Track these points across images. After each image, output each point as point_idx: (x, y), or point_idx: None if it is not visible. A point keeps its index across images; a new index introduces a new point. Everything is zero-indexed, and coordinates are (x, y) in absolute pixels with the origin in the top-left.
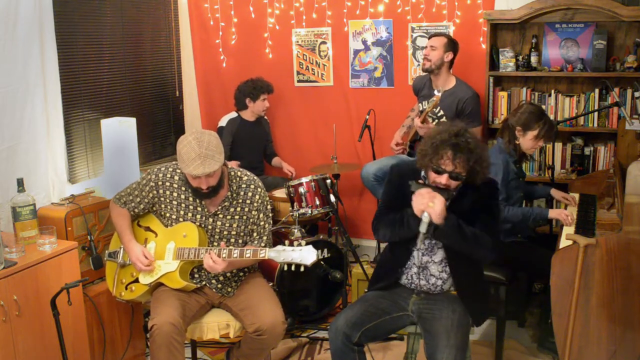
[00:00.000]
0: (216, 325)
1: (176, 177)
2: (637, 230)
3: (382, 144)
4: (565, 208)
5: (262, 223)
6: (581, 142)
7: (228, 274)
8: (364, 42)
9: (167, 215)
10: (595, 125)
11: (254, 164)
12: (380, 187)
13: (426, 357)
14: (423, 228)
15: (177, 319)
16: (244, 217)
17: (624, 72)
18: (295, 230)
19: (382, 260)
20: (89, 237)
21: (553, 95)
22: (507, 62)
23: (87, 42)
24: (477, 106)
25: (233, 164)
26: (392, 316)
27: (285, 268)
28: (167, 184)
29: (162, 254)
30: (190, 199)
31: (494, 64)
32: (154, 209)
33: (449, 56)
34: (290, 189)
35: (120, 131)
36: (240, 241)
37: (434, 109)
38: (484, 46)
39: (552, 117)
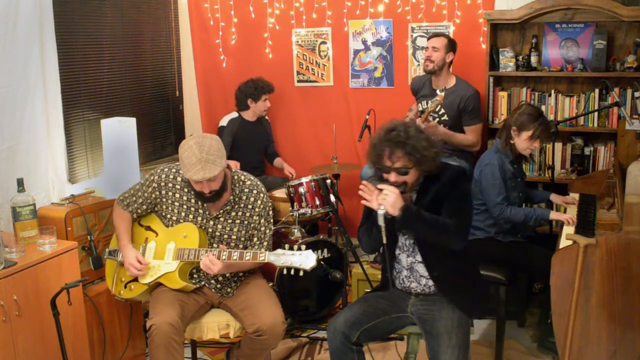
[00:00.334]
0: (216, 325)
1: (179, 179)
2: (637, 230)
3: None
4: (565, 211)
5: (262, 228)
6: (581, 142)
7: (227, 274)
8: (364, 42)
9: (168, 216)
10: (595, 125)
11: (255, 164)
12: None
13: (429, 358)
14: (380, 221)
15: (176, 319)
16: (245, 222)
17: (624, 72)
18: (295, 230)
19: (382, 266)
20: (89, 237)
21: (553, 95)
22: (507, 62)
23: (87, 42)
24: (478, 104)
25: (233, 164)
26: (392, 316)
27: (285, 272)
28: (170, 185)
29: (162, 253)
30: (192, 201)
31: (494, 64)
32: (156, 209)
33: (450, 56)
34: (290, 189)
35: (120, 131)
36: (240, 245)
37: (435, 109)
38: (484, 46)
39: (552, 117)
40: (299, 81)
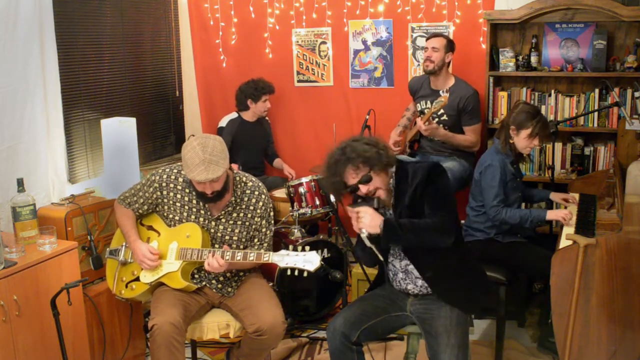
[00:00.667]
0: (216, 325)
1: (180, 179)
2: (637, 230)
3: None
4: (565, 208)
5: (263, 230)
6: (581, 142)
7: (228, 274)
8: (364, 42)
9: (171, 216)
10: (595, 125)
11: (254, 165)
12: None
13: (428, 358)
14: (367, 243)
15: (178, 319)
16: (247, 223)
17: (624, 72)
18: (295, 230)
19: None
20: (89, 237)
21: (553, 95)
22: (507, 62)
23: (87, 42)
24: (477, 104)
25: (234, 167)
26: (391, 315)
27: (289, 273)
28: (171, 185)
29: (164, 253)
30: (194, 201)
31: (494, 64)
32: (157, 209)
33: (449, 56)
34: (290, 189)
35: (120, 131)
36: (241, 246)
37: (439, 110)
38: (484, 46)
39: (552, 117)
40: (299, 81)
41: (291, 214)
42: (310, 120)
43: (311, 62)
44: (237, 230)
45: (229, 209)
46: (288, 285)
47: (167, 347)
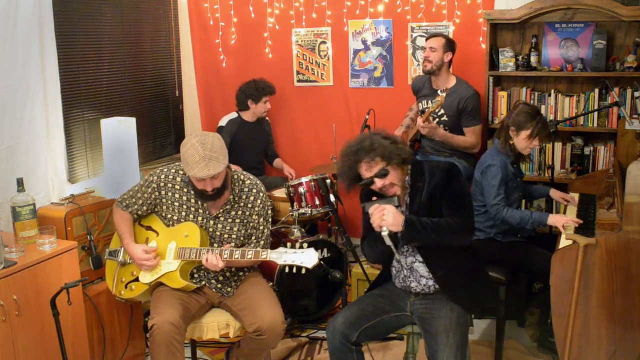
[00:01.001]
0: (216, 325)
1: (178, 179)
2: (637, 230)
3: None
4: (565, 210)
5: (261, 228)
6: (581, 142)
7: (227, 274)
8: (364, 42)
9: (169, 216)
10: (595, 125)
11: (254, 165)
12: None
13: (427, 358)
14: (388, 241)
15: (178, 319)
16: (245, 221)
17: (624, 72)
18: (295, 230)
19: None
20: (89, 237)
21: (553, 95)
22: (507, 62)
23: (87, 42)
24: (478, 105)
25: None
26: (391, 316)
27: (287, 270)
28: (170, 185)
29: (163, 253)
30: (192, 201)
31: (494, 64)
32: (156, 210)
33: (448, 56)
34: (290, 189)
35: (120, 131)
36: (239, 245)
37: (437, 110)
38: (484, 46)
39: (552, 117)
40: (299, 81)
41: (291, 214)
42: (310, 121)
43: (311, 62)
44: (235, 229)
45: (228, 207)
46: (288, 285)
47: (167, 346)
